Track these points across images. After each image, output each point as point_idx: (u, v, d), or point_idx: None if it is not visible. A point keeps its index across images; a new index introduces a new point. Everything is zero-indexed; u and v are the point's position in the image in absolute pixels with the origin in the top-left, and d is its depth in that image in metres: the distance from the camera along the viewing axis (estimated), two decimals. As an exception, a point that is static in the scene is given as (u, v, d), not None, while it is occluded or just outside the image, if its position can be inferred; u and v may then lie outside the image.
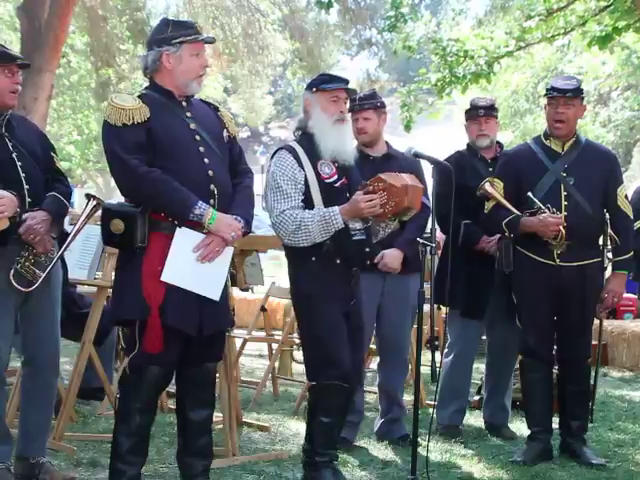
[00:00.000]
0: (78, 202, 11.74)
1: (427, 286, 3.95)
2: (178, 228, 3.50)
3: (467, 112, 5.16)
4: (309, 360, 3.93)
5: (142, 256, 3.48)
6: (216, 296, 3.57)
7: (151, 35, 3.73)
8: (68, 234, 3.91)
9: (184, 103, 3.66)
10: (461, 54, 10.03)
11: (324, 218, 3.72)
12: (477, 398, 5.69)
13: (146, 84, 3.75)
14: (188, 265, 3.49)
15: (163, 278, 3.45)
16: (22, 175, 3.71)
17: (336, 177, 3.87)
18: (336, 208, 3.73)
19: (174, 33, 3.60)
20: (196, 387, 3.67)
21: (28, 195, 3.72)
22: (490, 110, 5.09)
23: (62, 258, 3.90)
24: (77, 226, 3.90)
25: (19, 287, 3.67)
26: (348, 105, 4.00)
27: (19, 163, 3.73)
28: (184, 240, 3.50)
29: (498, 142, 5.20)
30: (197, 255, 3.51)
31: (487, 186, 4.65)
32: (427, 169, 4.61)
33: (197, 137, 3.61)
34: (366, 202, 3.68)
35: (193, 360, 3.61)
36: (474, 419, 5.43)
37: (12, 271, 3.65)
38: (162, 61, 3.60)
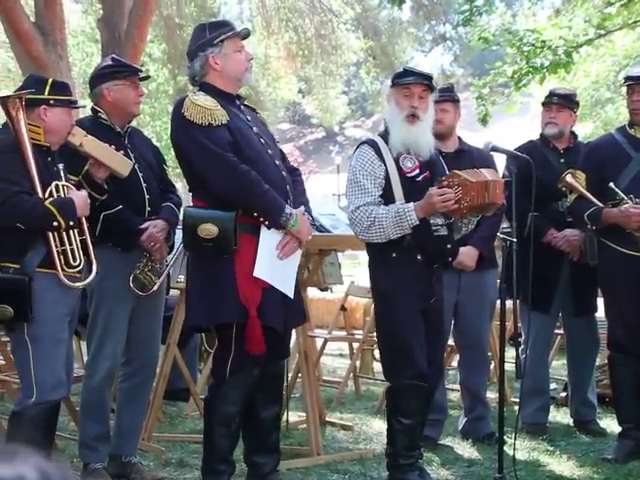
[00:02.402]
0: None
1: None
2: (263, 226, 3.52)
3: (544, 98, 5.08)
4: (386, 360, 3.90)
5: (233, 259, 3.48)
6: (291, 292, 3.61)
7: (191, 44, 3.73)
8: (174, 243, 4.08)
9: (242, 107, 3.71)
10: (538, 44, 9.83)
11: (398, 214, 3.67)
12: (564, 395, 5.57)
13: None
14: (272, 262, 3.53)
15: (256, 274, 3.47)
16: (144, 185, 3.91)
17: (418, 171, 3.83)
18: (411, 204, 3.68)
19: (213, 34, 3.62)
20: (269, 383, 3.67)
21: (148, 204, 3.92)
22: (565, 100, 4.96)
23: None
24: None
25: (137, 291, 3.84)
26: (430, 101, 3.90)
27: (141, 174, 3.92)
28: (268, 238, 3.54)
29: (572, 132, 5.08)
30: (278, 253, 3.54)
31: (568, 178, 4.56)
32: (501, 162, 4.56)
33: (262, 140, 3.65)
34: (439, 196, 3.63)
35: (267, 357, 3.61)
36: (561, 416, 5.32)
37: (132, 276, 3.83)
38: (210, 64, 3.61)
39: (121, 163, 3.72)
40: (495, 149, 4.02)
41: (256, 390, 3.64)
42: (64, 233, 3.50)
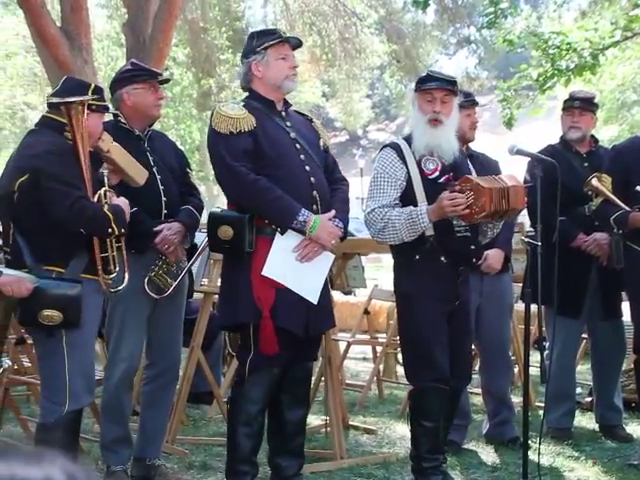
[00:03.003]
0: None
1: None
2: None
3: (564, 103, 5.04)
4: (408, 362, 3.92)
5: (250, 261, 3.56)
6: (314, 299, 3.61)
7: (242, 52, 3.87)
8: (196, 245, 4.05)
9: (283, 113, 3.76)
10: (564, 47, 9.76)
11: (411, 217, 3.68)
12: (589, 400, 5.53)
13: (246, 93, 3.86)
14: (288, 264, 3.56)
15: (264, 273, 3.52)
16: (161, 188, 3.92)
17: (438, 173, 3.83)
18: (424, 207, 3.69)
19: (258, 42, 3.71)
20: (296, 385, 3.71)
21: (165, 207, 3.93)
22: (587, 104, 4.93)
23: (189, 269, 4.05)
24: (206, 238, 4.03)
25: (152, 294, 3.84)
26: (454, 104, 3.90)
27: (159, 176, 3.93)
28: (284, 239, 3.57)
29: (593, 136, 5.04)
30: (296, 255, 3.57)
31: (594, 182, 4.52)
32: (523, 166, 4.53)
33: (297, 146, 3.70)
34: (450, 201, 3.62)
35: (294, 359, 3.66)
36: (586, 421, 5.28)
37: (146, 279, 3.83)
38: (252, 71, 3.71)
39: (139, 172, 3.75)
40: (520, 152, 4.01)
41: (282, 391, 3.68)
42: (107, 240, 3.51)
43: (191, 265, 4.03)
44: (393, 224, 3.70)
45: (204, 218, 4.18)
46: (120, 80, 4.00)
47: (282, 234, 3.56)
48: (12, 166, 3.51)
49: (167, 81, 4.31)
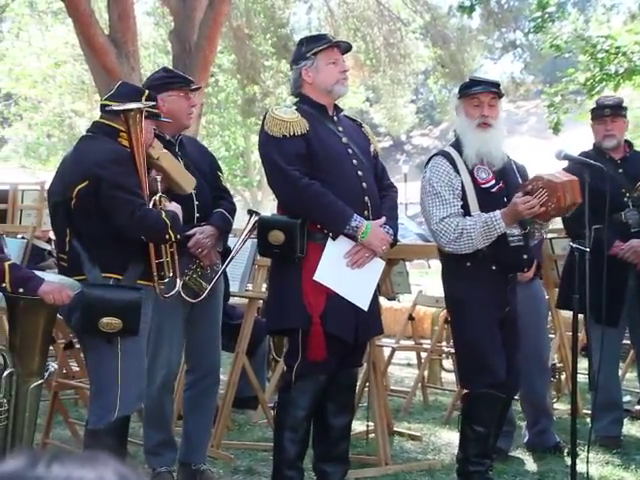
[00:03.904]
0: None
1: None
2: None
3: (592, 111, 4.95)
4: (463, 367, 3.90)
5: (301, 266, 3.56)
6: (365, 305, 3.60)
7: (292, 58, 3.89)
8: (230, 248, 4.06)
9: (335, 118, 3.76)
10: (612, 51, 9.62)
11: (486, 224, 3.65)
12: (639, 408, 5.44)
13: (289, 99, 3.88)
14: (339, 270, 3.56)
15: (316, 277, 3.52)
16: (193, 192, 3.87)
17: (493, 182, 3.81)
18: (497, 213, 3.66)
19: (308, 48, 3.72)
20: (341, 392, 3.71)
21: (197, 210, 3.91)
22: (617, 109, 4.84)
23: (224, 272, 4.05)
24: (240, 240, 4.05)
25: (187, 298, 3.83)
26: (500, 108, 3.89)
27: None
28: (336, 245, 3.57)
29: (627, 141, 4.96)
30: (347, 261, 3.56)
31: (643, 186, 4.45)
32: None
33: (349, 150, 3.70)
34: (525, 203, 3.60)
35: (340, 365, 3.66)
36: (636, 429, 5.20)
37: (181, 283, 3.79)
38: (302, 76, 3.72)
39: (188, 180, 3.74)
40: (568, 157, 3.97)
41: (327, 398, 3.68)
42: (162, 246, 3.51)
43: (225, 268, 4.01)
44: (469, 233, 3.67)
45: (236, 222, 4.19)
46: (154, 87, 3.95)
47: (334, 239, 3.56)
48: (69, 172, 3.48)
49: (197, 89, 4.29)
